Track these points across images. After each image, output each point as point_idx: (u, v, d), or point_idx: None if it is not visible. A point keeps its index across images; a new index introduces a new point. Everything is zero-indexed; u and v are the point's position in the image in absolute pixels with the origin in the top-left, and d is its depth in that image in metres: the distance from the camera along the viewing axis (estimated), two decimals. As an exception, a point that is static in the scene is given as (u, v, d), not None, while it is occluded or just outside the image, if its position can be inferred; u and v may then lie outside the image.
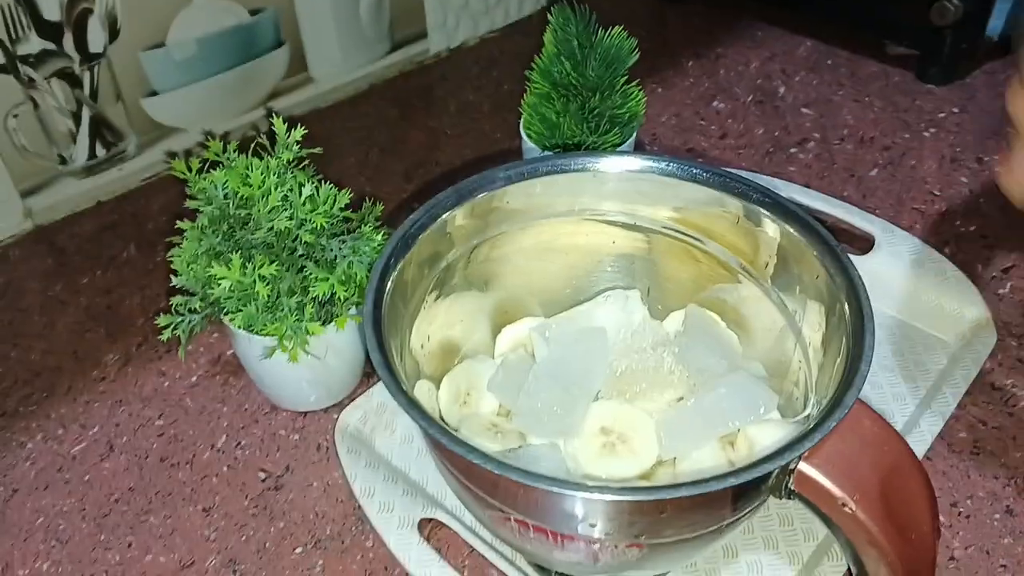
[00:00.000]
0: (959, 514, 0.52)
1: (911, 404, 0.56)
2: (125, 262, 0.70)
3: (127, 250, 0.71)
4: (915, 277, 0.63)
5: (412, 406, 0.35)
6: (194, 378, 0.61)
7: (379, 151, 0.81)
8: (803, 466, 0.35)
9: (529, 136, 0.67)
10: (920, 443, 0.53)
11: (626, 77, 0.65)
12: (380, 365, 0.37)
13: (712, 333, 0.45)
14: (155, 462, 0.56)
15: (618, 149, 0.65)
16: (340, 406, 0.57)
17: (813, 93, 0.86)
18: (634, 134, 0.67)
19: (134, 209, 0.75)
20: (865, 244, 0.65)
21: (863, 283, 0.39)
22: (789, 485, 0.35)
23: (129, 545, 0.51)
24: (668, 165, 0.47)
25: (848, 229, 0.66)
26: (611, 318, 0.46)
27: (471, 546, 0.49)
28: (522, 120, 0.68)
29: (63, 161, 0.73)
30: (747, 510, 0.37)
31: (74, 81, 0.70)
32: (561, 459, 0.40)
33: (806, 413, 0.41)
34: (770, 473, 0.34)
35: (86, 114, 0.72)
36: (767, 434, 0.39)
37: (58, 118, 0.71)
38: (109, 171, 0.75)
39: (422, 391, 0.45)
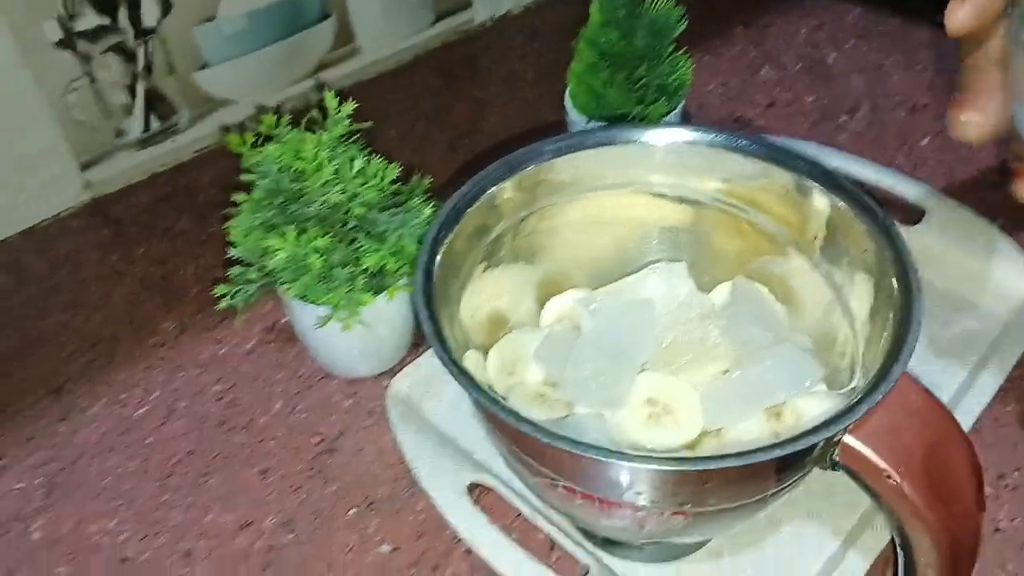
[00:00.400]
0: (1006, 486, 0.52)
1: (959, 376, 0.56)
2: (179, 233, 0.72)
3: (180, 221, 0.73)
4: (965, 249, 0.62)
5: (464, 377, 0.36)
6: (249, 345, 0.63)
7: (424, 121, 0.82)
8: (848, 438, 0.35)
9: (575, 106, 0.68)
10: (967, 415, 0.53)
11: (673, 46, 0.65)
12: (432, 337, 0.38)
13: (759, 306, 0.45)
14: (213, 426, 0.58)
15: (665, 119, 0.65)
16: (390, 373, 0.59)
17: (863, 60, 0.85)
18: (681, 103, 0.67)
19: (187, 181, 0.77)
20: (915, 215, 0.65)
21: (912, 256, 0.39)
22: (834, 457, 0.36)
23: (190, 506, 0.54)
24: (715, 136, 0.47)
25: (898, 199, 0.66)
26: (657, 290, 0.46)
27: (518, 510, 0.51)
28: (568, 90, 0.68)
29: (119, 134, 0.74)
30: (791, 481, 0.38)
31: (129, 55, 0.72)
32: (607, 429, 0.41)
33: (852, 385, 0.42)
34: (815, 445, 0.35)
35: (140, 88, 0.74)
36: (813, 406, 0.39)
37: (114, 92, 0.72)
38: (163, 143, 0.77)
39: (471, 361, 0.46)
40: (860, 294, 0.43)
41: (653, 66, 0.64)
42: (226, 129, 0.70)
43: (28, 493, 0.55)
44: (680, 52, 0.65)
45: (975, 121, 0.41)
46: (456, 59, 0.90)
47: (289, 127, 0.51)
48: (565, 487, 0.38)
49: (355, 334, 0.53)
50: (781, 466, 0.36)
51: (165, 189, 0.76)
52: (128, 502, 0.54)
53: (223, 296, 0.52)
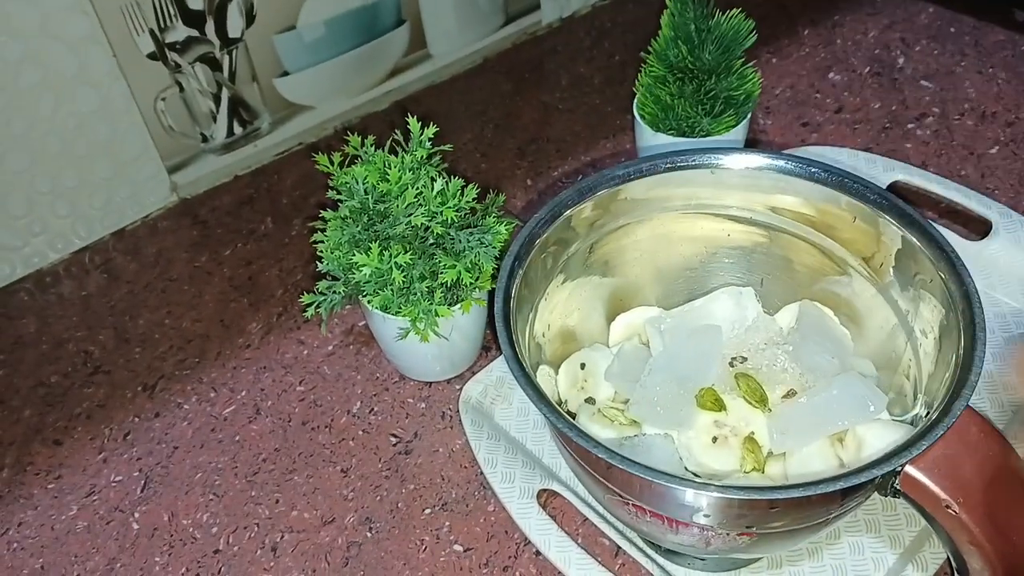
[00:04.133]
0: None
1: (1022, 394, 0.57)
2: (263, 235, 0.75)
3: (264, 223, 0.76)
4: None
5: (541, 400, 0.39)
6: (330, 347, 0.66)
7: (493, 126, 0.84)
8: (909, 469, 0.37)
9: (643, 118, 0.69)
10: (1029, 434, 0.54)
11: (743, 59, 0.66)
12: (510, 359, 0.40)
13: (824, 330, 0.47)
14: (297, 425, 0.61)
15: (734, 136, 0.67)
16: (462, 378, 0.62)
17: (934, 64, 0.84)
18: (748, 115, 0.68)
19: (268, 184, 0.80)
20: (982, 228, 0.65)
21: (977, 293, 0.40)
22: (895, 485, 0.37)
23: (277, 501, 0.57)
24: (787, 163, 0.48)
25: (964, 212, 0.66)
26: (725, 314, 0.48)
27: (584, 515, 0.53)
28: (636, 101, 0.70)
29: (204, 139, 0.78)
30: (853, 505, 0.40)
31: (215, 65, 0.75)
32: (674, 449, 0.43)
33: (915, 412, 0.43)
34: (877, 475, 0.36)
35: (225, 95, 0.77)
36: (875, 434, 0.41)
37: (201, 99, 0.76)
38: (245, 147, 0.81)
39: (543, 376, 0.48)
40: (925, 323, 0.44)
41: (721, 79, 0.65)
42: (315, 149, 0.73)
43: (127, 486, 0.59)
44: (749, 65, 0.66)
45: None
46: (524, 61, 0.92)
47: (374, 148, 0.54)
48: (635, 505, 0.40)
49: (431, 343, 0.55)
50: (844, 494, 0.38)
51: (248, 192, 0.80)
52: (219, 497, 0.58)
53: (310, 305, 0.56)
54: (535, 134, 0.82)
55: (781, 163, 0.48)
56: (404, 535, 0.55)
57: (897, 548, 0.51)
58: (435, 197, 0.52)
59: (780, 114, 0.82)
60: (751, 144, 0.78)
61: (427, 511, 0.56)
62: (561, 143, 0.81)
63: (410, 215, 0.50)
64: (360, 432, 0.61)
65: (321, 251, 0.54)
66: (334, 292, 0.54)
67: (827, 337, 0.46)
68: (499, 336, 0.41)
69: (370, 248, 0.51)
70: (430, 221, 0.51)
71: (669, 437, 0.44)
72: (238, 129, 0.79)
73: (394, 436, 0.60)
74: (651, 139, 0.68)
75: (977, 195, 0.66)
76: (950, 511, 0.36)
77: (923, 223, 0.44)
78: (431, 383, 0.63)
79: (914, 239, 0.44)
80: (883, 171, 0.68)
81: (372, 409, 0.62)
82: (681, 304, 0.51)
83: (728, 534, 0.39)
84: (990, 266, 0.62)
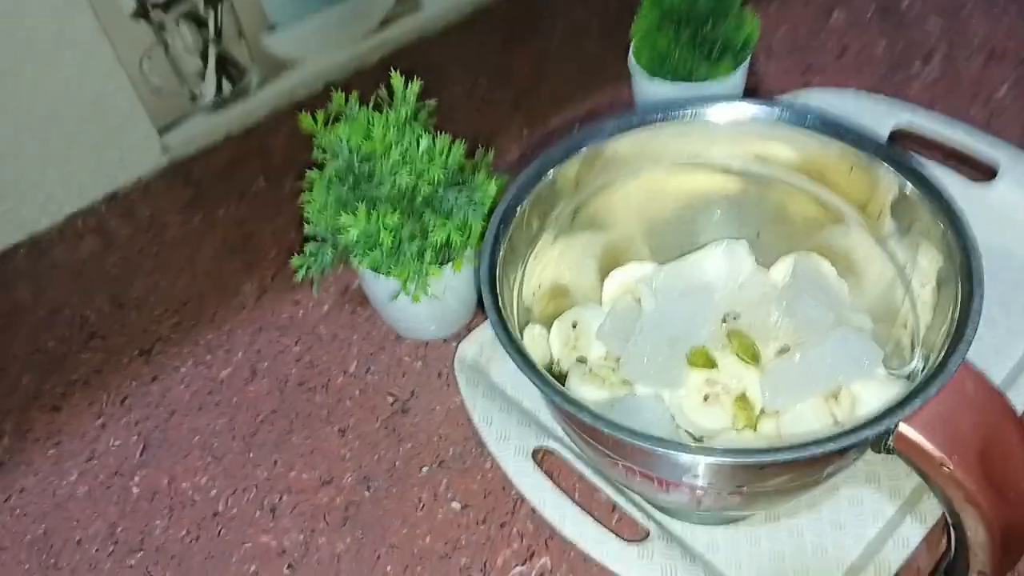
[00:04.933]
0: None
1: (1021, 348, 0.56)
2: (255, 195, 0.74)
3: (256, 183, 0.75)
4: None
5: (526, 364, 0.38)
6: (325, 307, 0.66)
7: (487, 79, 0.82)
8: (903, 427, 0.36)
9: (639, 64, 0.67)
10: (1026, 391, 0.53)
11: (742, 2, 0.64)
12: (496, 324, 0.40)
13: (820, 283, 0.46)
14: (294, 386, 0.61)
15: (732, 81, 0.65)
16: (457, 336, 0.61)
17: (940, 1, 0.82)
18: (747, 60, 0.66)
19: (259, 143, 0.79)
20: (988, 171, 0.63)
21: (977, 245, 0.39)
22: (889, 443, 0.37)
23: (275, 463, 0.57)
24: (781, 112, 0.47)
25: (970, 155, 0.64)
26: (719, 269, 0.47)
27: (581, 472, 0.53)
28: (631, 48, 0.68)
29: (193, 98, 0.77)
30: (847, 464, 0.39)
31: (200, 21, 0.73)
32: (665, 409, 0.43)
33: (913, 365, 0.42)
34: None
35: (212, 52, 0.76)
36: (870, 391, 0.40)
37: (187, 58, 0.75)
38: (235, 106, 0.79)
39: (533, 336, 0.47)
40: (923, 273, 0.43)
41: (719, 23, 0.63)
42: (300, 108, 0.71)
43: (126, 450, 0.59)
44: (746, 7, 0.64)
45: None
46: (518, 11, 0.89)
47: (359, 105, 0.53)
48: (625, 466, 0.40)
49: (424, 302, 0.55)
50: (836, 454, 0.37)
51: (240, 151, 0.79)
52: (217, 459, 0.58)
53: (300, 267, 0.55)
54: (530, 86, 0.81)
55: (776, 112, 0.47)
56: (402, 494, 0.55)
57: (896, 500, 0.50)
58: (422, 156, 0.51)
59: (781, 58, 0.79)
60: (751, 90, 0.76)
61: (424, 469, 0.56)
62: (557, 93, 0.79)
63: (395, 175, 0.49)
64: (357, 392, 0.61)
65: (308, 213, 0.53)
66: (323, 254, 0.53)
67: (823, 290, 0.45)
68: (485, 302, 0.41)
69: (357, 209, 0.50)
70: (417, 180, 0.50)
71: (660, 397, 0.43)
72: (227, 87, 0.78)
73: (391, 395, 0.60)
74: (648, 86, 0.67)
75: (984, 135, 0.64)
76: (944, 469, 0.36)
77: (921, 171, 0.42)
78: (427, 342, 0.62)
79: (912, 187, 0.42)
80: (886, 112, 0.66)
81: (369, 369, 0.62)
82: (676, 259, 0.50)
83: (719, 493, 0.39)
84: (995, 211, 0.61)
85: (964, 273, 0.39)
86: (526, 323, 0.47)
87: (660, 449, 0.34)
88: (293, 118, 0.54)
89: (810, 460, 0.37)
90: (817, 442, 0.34)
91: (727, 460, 0.34)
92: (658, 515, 0.50)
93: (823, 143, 0.46)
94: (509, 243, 0.44)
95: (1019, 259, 0.60)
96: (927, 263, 0.43)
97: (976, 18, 0.79)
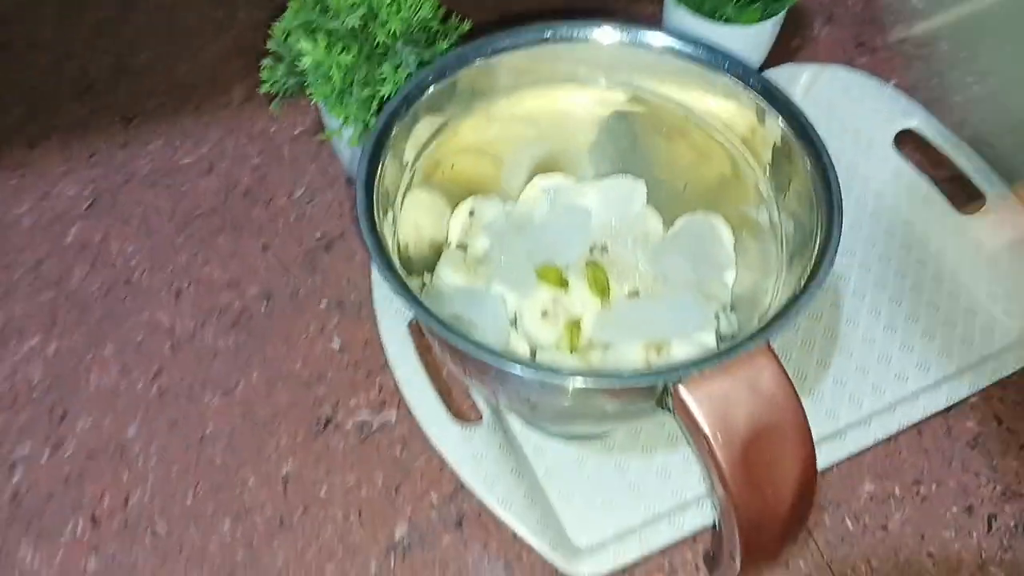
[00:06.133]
0: (916, 493, 0.52)
1: (932, 375, 0.54)
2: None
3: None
4: (1014, 254, 0.58)
5: (377, 251, 0.39)
6: (297, 131, 0.68)
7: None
8: (683, 391, 0.36)
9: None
10: (910, 414, 0.53)
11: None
12: (361, 192, 0.40)
13: (703, 245, 0.45)
14: (240, 193, 0.64)
15: (756, 31, 0.62)
16: (403, 195, 0.63)
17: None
18: (782, 13, 0.63)
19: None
20: (975, 200, 0.60)
21: (841, 217, 0.38)
22: (669, 403, 0.37)
23: (196, 255, 0.61)
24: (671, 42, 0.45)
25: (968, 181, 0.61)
26: (609, 199, 0.47)
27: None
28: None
29: None
30: (638, 412, 0.40)
31: None
32: (504, 312, 0.44)
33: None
34: (653, 387, 0.36)
35: None
36: (684, 352, 0.41)
37: None
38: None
39: (419, 199, 0.47)
40: (790, 240, 0.42)
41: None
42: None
43: (77, 201, 0.63)
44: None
45: None
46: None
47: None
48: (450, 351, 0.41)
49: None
50: (623, 395, 0.38)
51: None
52: (148, 234, 0.62)
53: (265, 82, 0.56)
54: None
55: (663, 41, 0.45)
56: (293, 319, 0.58)
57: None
58: (389, 3, 0.51)
59: (840, 27, 0.76)
60: (793, 50, 0.73)
61: (323, 304, 0.59)
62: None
63: (350, 14, 0.50)
64: (292, 217, 0.63)
65: (275, 31, 0.54)
66: (284, 77, 0.55)
67: (700, 253, 0.45)
68: (359, 164, 0.41)
69: (317, 39, 0.51)
70: (367, 24, 0.50)
71: (504, 300, 0.44)
72: None
73: (320, 230, 0.62)
74: (673, 11, 0.64)
75: (977, 164, 0.60)
76: (705, 443, 0.36)
77: (805, 121, 0.41)
78: (375, 192, 0.64)
79: (793, 139, 0.41)
80: (901, 114, 0.63)
81: (312, 200, 0.64)
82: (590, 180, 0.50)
83: (510, 398, 0.40)
84: (975, 250, 0.59)
85: (820, 248, 0.38)
86: (411, 186, 0.46)
87: (452, 340, 0.35)
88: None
89: (585, 393, 0.38)
90: (585, 375, 0.35)
91: (514, 372, 0.35)
92: (511, 417, 0.51)
93: (714, 77, 0.45)
94: (418, 107, 0.44)
95: (970, 300, 0.58)
96: (792, 229, 0.42)
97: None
